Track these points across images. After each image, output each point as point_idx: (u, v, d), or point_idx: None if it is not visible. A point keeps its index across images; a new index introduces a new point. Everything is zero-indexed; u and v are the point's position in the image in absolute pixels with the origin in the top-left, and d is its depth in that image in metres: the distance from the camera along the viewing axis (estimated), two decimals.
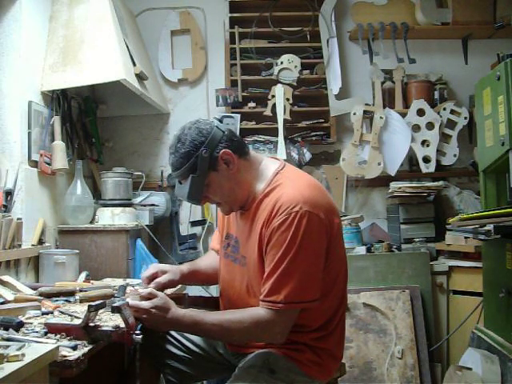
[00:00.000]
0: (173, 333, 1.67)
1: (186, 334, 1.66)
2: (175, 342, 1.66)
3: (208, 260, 1.82)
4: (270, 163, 1.56)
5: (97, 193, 2.95)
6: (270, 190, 1.47)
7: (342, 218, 3.02)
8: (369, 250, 3.00)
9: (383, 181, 3.21)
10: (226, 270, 1.63)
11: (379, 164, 3.13)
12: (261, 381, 1.37)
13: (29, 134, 2.32)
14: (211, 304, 1.74)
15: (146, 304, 1.38)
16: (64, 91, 2.61)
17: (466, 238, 2.65)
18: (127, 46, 2.69)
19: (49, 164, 2.42)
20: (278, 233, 1.38)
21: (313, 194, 1.43)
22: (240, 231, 1.56)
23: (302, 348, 1.46)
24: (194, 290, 3.04)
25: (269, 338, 1.44)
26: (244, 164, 1.51)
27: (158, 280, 1.58)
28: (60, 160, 2.45)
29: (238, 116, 3.14)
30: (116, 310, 1.32)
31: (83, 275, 2.18)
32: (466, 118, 3.16)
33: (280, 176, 1.50)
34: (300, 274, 1.37)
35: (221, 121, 1.52)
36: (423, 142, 3.17)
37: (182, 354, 1.65)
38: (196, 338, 1.66)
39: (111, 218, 2.63)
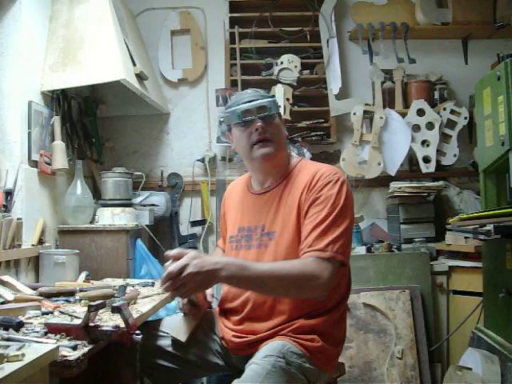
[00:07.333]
0: (166, 347, 1.64)
1: (178, 349, 1.63)
2: (170, 358, 1.63)
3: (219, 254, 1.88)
4: None
5: (97, 193, 2.95)
6: (300, 168, 1.63)
7: None
8: (369, 250, 3.00)
9: (383, 181, 3.21)
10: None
11: (379, 164, 3.13)
12: (278, 368, 1.37)
13: (29, 134, 2.32)
14: None
15: (183, 260, 1.31)
16: (64, 91, 2.62)
17: (465, 237, 2.65)
18: (127, 46, 2.69)
19: (49, 164, 2.42)
20: (323, 191, 1.50)
21: None
22: (258, 215, 1.62)
23: (314, 338, 1.48)
24: None
25: (313, 288, 1.42)
26: None
27: None
28: (60, 160, 2.45)
29: None
30: (116, 309, 1.32)
31: (83, 275, 2.18)
32: (466, 118, 3.16)
33: (304, 161, 1.70)
34: (342, 230, 1.46)
35: None
36: (423, 142, 3.17)
37: (174, 366, 1.63)
38: (189, 353, 1.63)
39: (111, 217, 2.63)
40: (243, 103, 1.61)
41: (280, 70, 3.22)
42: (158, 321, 1.74)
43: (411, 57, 3.24)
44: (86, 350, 1.24)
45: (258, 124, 1.57)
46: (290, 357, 1.41)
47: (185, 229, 3.31)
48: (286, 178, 1.62)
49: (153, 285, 2.12)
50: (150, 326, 1.68)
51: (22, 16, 2.31)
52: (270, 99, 1.63)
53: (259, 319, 1.53)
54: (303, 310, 1.50)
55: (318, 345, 1.47)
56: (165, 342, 1.64)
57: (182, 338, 1.60)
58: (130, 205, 2.78)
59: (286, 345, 1.44)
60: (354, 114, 3.16)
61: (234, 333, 1.57)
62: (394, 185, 3.05)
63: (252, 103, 1.60)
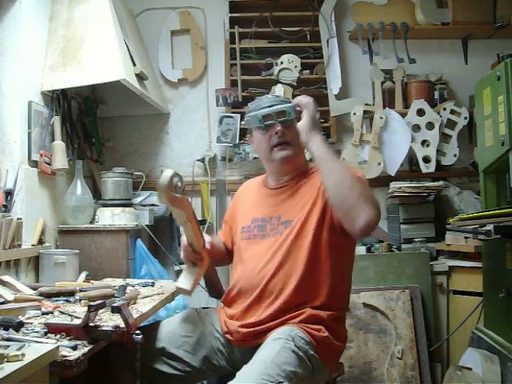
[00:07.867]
0: (169, 350, 1.63)
1: (180, 355, 1.62)
2: (170, 362, 1.62)
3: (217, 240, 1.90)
4: None
5: (97, 193, 2.95)
6: (317, 169, 1.65)
7: None
8: (369, 250, 3.00)
9: (383, 181, 3.21)
10: (255, 248, 1.66)
11: (379, 164, 3.13)
12: (288, 349, 1.41)
13: (29, 134, 2.32)
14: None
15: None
16: (64, 91, 2.61)
17: (466, 237, 2.65)
18: (127, 46, 2.69)
19: (49, 164, 2.42)
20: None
21: None
22: (273, 206, 1.69)
23: (321, 328, 1.52)
24: None
25: (368, 211, 1.42)
26: None
27: None
28: (60, 160, 2.45)
29: (238, 116, 3.14)
30: (116, 309, 1.33)
31: (83, 275, 2.18)
32: (466, 118, 3.16)
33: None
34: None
35: None
36: (423, 142, 3.17)
37: (174, 372, 1.62)
38: (194, 359, 1.62)
39: (111, 217, 2.63)
40: (264, 108, 1.68)
41: (280, 70, 3.22)
42: (157, 324, 1.73)
43: (411, 57, 3.24)
44: (86, 349, 1.24)
45: (278, 128, 1.65)
46: (298, 341, 1.45)
47: None
48: (304, 175, 1.71)
49: (153, 285, 2.12)
50: (149, 329, 1.66)
51: (22, 16, 2.31)
52: (289, 105, 1.70)
53: (266, 303, 1.56)
54: (308, 297, 1.55)
55: (324, 335, 1.51)
56: (164, 346, 1.63)
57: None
58: (130, 205, 2.78)
59: (294, 329, 1.48)
60: (354, 114, 3.16)
61: (240, 322, 1.58)
62: (393, 185, 3.05)
63: (272, 108, 1.67)
